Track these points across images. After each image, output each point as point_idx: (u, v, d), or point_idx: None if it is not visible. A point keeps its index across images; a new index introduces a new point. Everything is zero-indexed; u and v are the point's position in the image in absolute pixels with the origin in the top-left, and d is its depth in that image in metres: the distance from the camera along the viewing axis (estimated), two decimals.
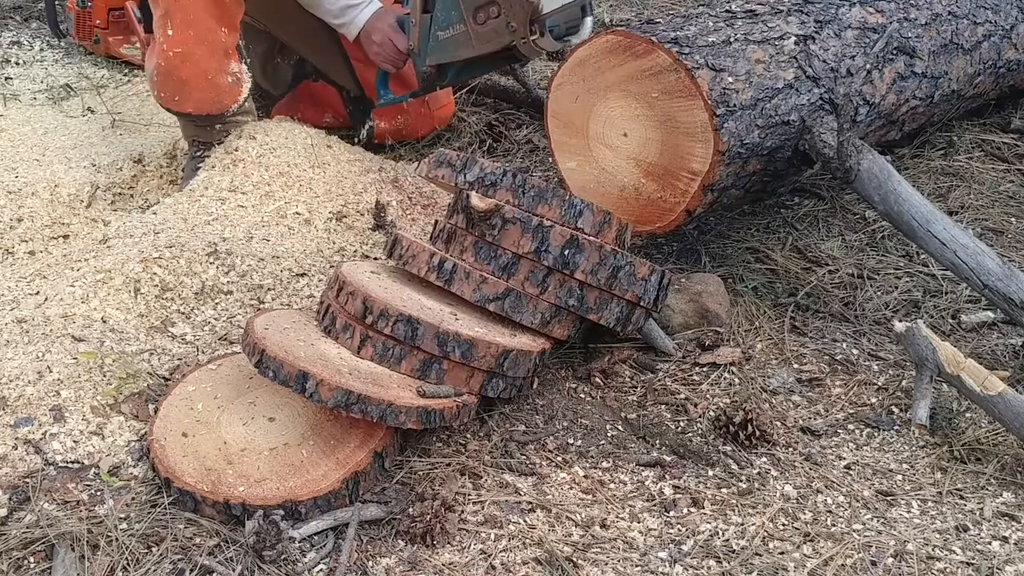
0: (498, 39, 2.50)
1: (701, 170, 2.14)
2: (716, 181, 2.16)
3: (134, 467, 1.74)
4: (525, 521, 1.68)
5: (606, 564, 1.60)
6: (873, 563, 1.61)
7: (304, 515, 1.62)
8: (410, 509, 1.66)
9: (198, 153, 2.69)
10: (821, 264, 2.55)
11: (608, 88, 2.22)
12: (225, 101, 2.62)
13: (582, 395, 2.06)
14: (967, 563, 1.62)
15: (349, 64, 2.96)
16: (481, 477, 1.78)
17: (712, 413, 2.01)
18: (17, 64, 3.83)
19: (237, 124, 2.67)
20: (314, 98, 3.11)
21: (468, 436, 1.89)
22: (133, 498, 1.66)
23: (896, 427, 1.99)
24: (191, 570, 1.52)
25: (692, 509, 1.74)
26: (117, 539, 1.55)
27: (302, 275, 2.31)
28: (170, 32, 2.54)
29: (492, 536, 1.65)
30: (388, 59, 2.77)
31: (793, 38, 2.37)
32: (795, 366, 2.18)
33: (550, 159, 2.41)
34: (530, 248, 1.88)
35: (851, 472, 1.86)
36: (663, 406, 2.04)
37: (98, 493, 1.67)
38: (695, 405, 2.04)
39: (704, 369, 2.16)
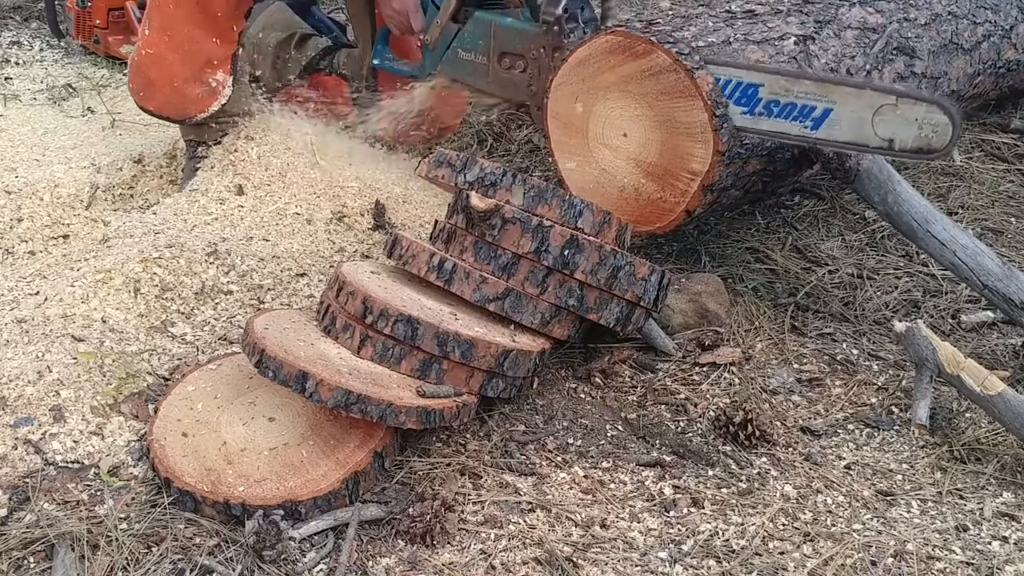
0: (515, 92, 2.53)
1: (701, 170, 2.14)
2: (716, 181, 2.15)
3: (134, 467, 1.74)
4: (525, 521, 1.68)
5: (606, 564, 1.60)
6: (873, 563, 1.61)
7: (304, 515, 1.62)
8: (410, 509, 1.66)
9: (195, 152, 2.69)
10: (821, 264, 2.55)
11: (608, 88, 2.22)
12: (189, 110, 2.60)
13: (582, 395, 2.06)
14: (967, 563, 1.62)
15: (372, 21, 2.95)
16: (481, 477, 1.78)
17: (712, 413, 2.01)
18: (17, 64, 3.83)
19: (234, 124, 2.67)
20: (322, 90, 3.11)
21: (468, 436, 1.89)
22: (133, 498, 1.66)
23: (896, 427, 1.99)
24: (191, 570, 1.52)
25: (692, 509, 1.74)
26: (117, 539, 1.55)
27: (302, 275, 2.31)
28: (147, 32, 2.56)
29: (492, 536, 1.65)
30: (398, 27, 2.75)
31: (793, 38, 2.37)
32: (795, 366, 2.18)
33: (550, 159, 2.41)
34: (530, 248, 1.88)
35: (851, 472, 1.86)
36: (663, 406, 2.04)
37: (98, 493, 1.67)
38: (695, 405, 2.04)
39: (704, 369, 2.16)
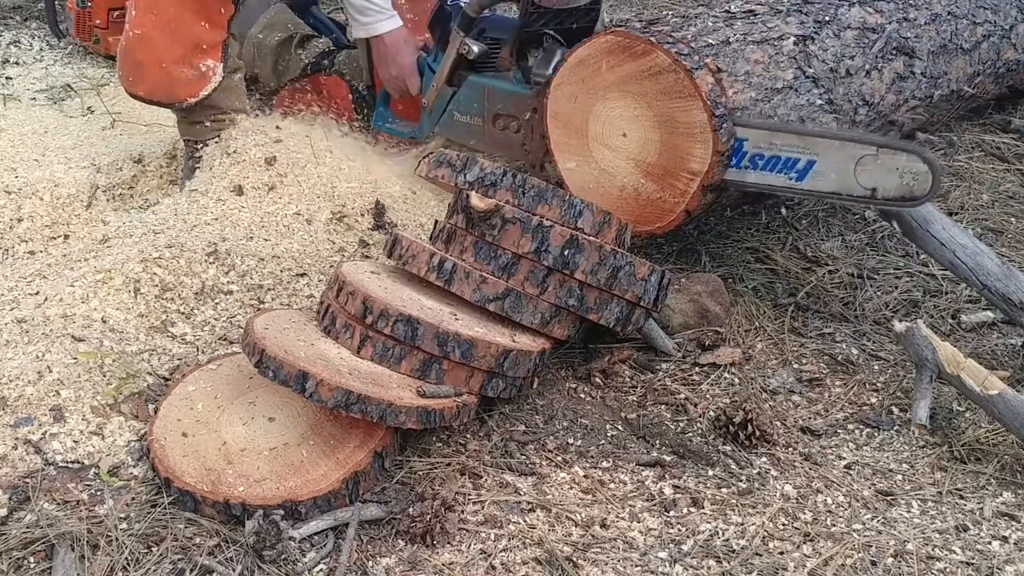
0: (509, 150, 2.61)
1: (700, 170, 2.14)
2: (715, 181, 2.16)
3: (134, 467, 1.74)
4: (525, 521, 1.68)
5: (606, 564, 1.60)
6: (873, 563, 1.61)
7: (304, 515, 1.62)
8: (410, 509, 1.66)
9: (192, 153, 2.69)
10: (821, 264, 2.55)
11: (607, 88, 2.22)
12: (179, 93, 2.58)
13: (582, 395, 2.06)
14: (967, 563, 1.62)
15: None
16: (481, 477, 1.78)
17: (712, 413, 2.01)
18: (17, 64, 3.82)
19: (230, 122, 2.66)
20: (322, 91, 3.12)
21: (468, 436, 1.89)
22: (133, 498, 1.66)
23: (896, 427, 1.99)
24: (191, 570, 1.52)
25: (692, 509, 1.74)
26: (117, 539, 1.55)
27: (302, 275, 2.30)
28: (134, 12, 2.54)
29: (492, 536, 1.65)
30: (396, 90, 2.83)
31: (792, 38, 2.37)
32: (795, 366, 2.18)
33: (549, 160, 2.41)
34: (530, 248, 1.88)
35: (851, 472, 1.86)
36: (663, 406, 2.04)
37: (98, 493, 1.67)
38: (695, 405, 2.04)
39: (704, 369, 2.16)
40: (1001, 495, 1.81)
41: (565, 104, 2.31)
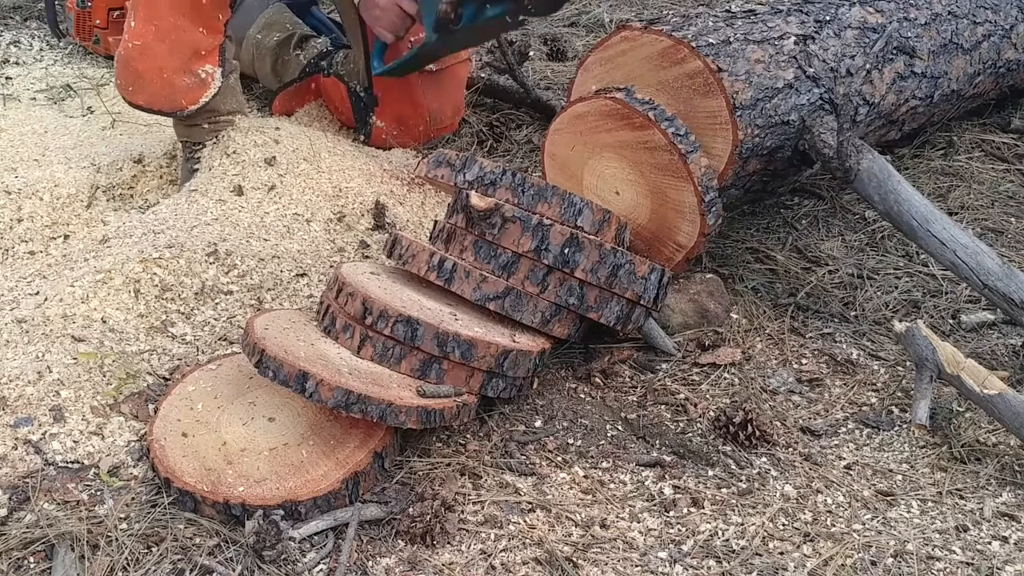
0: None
1: (686, 244, 2.19)
2: (699, 255, 2.20)
3: (134, 467, 1.74)
4: (525, 521, 1.68)
5: (606, 564, 1.60)
6: (873, 563, 1.61)
7: (304, 515, 1.62)
8: (410, 509, 1.66)
9: (191, 154, 2.68)
10: (821, 264, 2.55)
11: (604, 147, 2.24)
12: (180, 101, 2.57)
13: (582, 395, 2.05)
14: (967, 563, 1.62)
15: (364, 36, 2.91)
16: (481, 477, 1.78)
17: (712, 413, 2.01)
18: (17, 64, 3.82)
19: (229, 123, 2.66)
20: (320, 93, 3.11)
21: (468, 436, 1.89)
22: (133, 498, 1.66)
23: (896, 427, 1.99)
24: (191, 570, 1.52)
25: (692, 509, 1.74)
26: (117, 539, 1.55)
27: (302, 275, 2.30)
28: (133, 24, 2.53)
29: (492, 536, 1.65)
30: (388, 25, 2.67)
31: (793, 38, 2.37)
32: (795, 366, 2.18)
33: None
34: (530, 247, 1.88)
35: (851, 472, 1.86)
36: (663, 406, 2.04)
37: (98, 493, 1.67)
38: (695, 405, 2.04)
39: (704, 369, 2.16)
40: (1001, 495, 1.81)
41: (563, 149, 2.33)
